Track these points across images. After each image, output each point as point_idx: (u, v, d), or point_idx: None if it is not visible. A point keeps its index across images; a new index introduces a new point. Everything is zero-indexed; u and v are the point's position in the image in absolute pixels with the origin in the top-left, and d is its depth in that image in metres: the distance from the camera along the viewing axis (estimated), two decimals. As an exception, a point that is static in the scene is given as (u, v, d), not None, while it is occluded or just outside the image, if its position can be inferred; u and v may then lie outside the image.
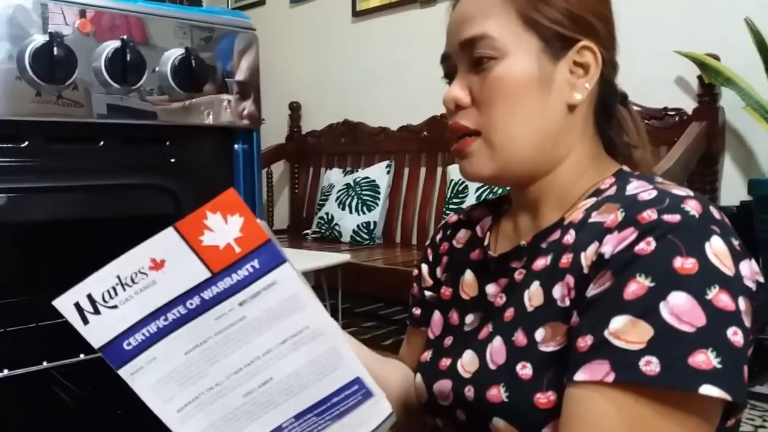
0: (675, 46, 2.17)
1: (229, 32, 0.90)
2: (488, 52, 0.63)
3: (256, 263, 0.47)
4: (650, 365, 0.48)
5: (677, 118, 2.25)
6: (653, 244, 0.52)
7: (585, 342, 0.52)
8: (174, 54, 0.82)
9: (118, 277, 0.48)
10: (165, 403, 0.49)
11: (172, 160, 0.90)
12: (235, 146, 0.96)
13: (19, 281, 1.12)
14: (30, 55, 0.71)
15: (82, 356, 0.94)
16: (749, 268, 0.54)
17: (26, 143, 0.78)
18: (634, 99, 2.55)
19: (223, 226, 0.47)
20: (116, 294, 0.48)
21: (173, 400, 0.49)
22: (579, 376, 0.51)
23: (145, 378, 0.49)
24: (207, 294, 0.48)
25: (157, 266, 0.47)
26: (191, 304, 0.48)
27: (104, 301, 0.48)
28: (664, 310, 0.49)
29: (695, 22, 2.20)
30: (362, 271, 2.51)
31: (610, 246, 0.54)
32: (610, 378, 0.49)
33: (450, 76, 0.68)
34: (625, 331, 0.50)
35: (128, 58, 0.77)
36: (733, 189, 2.16)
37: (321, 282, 2.37)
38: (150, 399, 0.49)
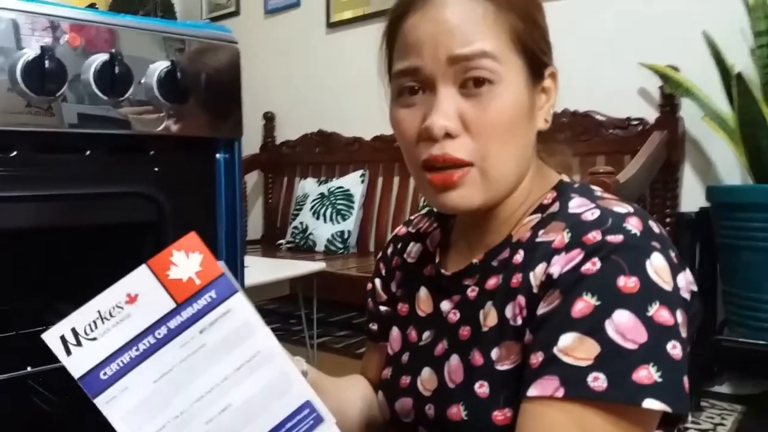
0: (638, 58, 2.26)
1: (213, 45, 0.93)
2: (487, 74, 0.58)
3: (213, 293, 0.54)
4: (597, 381, 0.51)
5: (640, 128, 2.34)
6: (598, 264, 0.54)
7: (536, 359, 0.55)
8: (160, 66, 0.85)
9: (99, 311, 0.53)
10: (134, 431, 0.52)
11: (156, 169, 0.93)
12: (217, 155, 0.99)
13: (3, 288, 1.13)
14: (22, 67, 0.73)
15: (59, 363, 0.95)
16: (685, 280, 0.57)
17: (14, 153, 0.80)
18: (600, 109, 2.64)
19: (186, 262, 0.54)
20: (96, 327, 0.53)
21: (142, 430, 0.52)
22: (531, 391, 0.54)
23: (118, 407, 0.52)
24: (172, 323, 0.54)
25: (132, 300, 0.54)
26: (159, 333, 0.53)
27: (86, 333, 0.53)
28: (610, 328, 0.52)
29: (657, 35, 2.30)
30: (337, 280, 2.53)
31: (558, 266, 0.56)
32: (560, 393, 0.52)
33: (409, 92, 0.62)
34: (574, 347, 0.53)
35: (116, 71, 0.80)
36: (692, 196, 2.25)
37: (296, 291, 2.38)
38: (122, 428, 0.52)
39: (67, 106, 0.79)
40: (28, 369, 0.94)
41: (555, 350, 0.53)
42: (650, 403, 0.51)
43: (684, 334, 0.54)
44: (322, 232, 3.06)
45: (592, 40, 2.32)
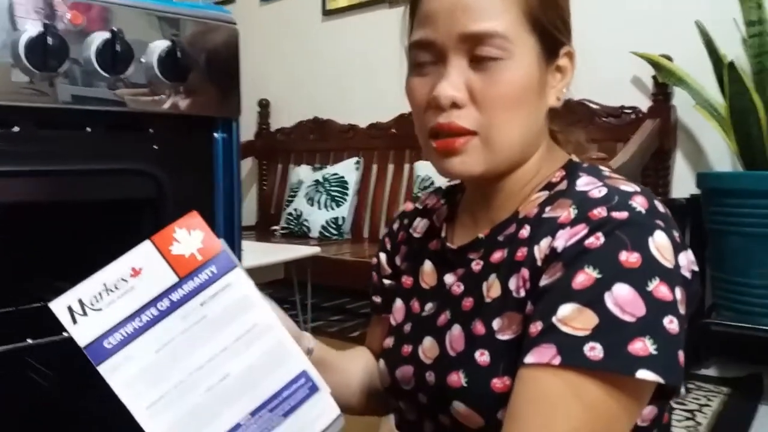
0: (631, 47, 2.29)
1: (212, 26, 0.94)
2: (497, 52, 0.60)
3: (214, 269, 0.57)
4: (594, 351, 0.52)
5: (633, 116, 2.37)
6: (602, 239, 0.55)
7: (535, 327, 0.56)
8: (160, 45, 0.86)
9: (104, 284, 0.55)
10: (137, 399, 0.54)
11: (155, 147, 0.94)
12: (215, 135, 1.01)
13: (4, 265, 1.14)
14: (24, 44, 0.75)
15: (65, 334, 0.97)
16: (686, 259, 0.58)
17: (17, 128, 0.82)
18: (594, 97, 2.66)
19: (188, 239, 0.57)
20: (101, 298, 0.55)
21: (144, 397, 0.54)
22: (528, 359, 0.55)
23: (121, 375, 0.54)
24: (174, 296, 0.56)
25: (136, 273, 0.56)
26: (162, 305, 0.56)
27: (91, 304, 0.55)
28: (609, 300, 0.53)
29: (650, 25, 2.32)
30: (331, 265, 2.55)
31: (562, 240, 0.57)
32: (556, 361, 0.53)
33: (423, 64, 0.64)
34: (572, 318, 0.54)
35: (117, 49, 0.81)
36: (683, 183, 2.28)
37: (291, 276, 2.40)
38: (124, 395, 0.54)
39: (68, 83, 0.81)
40: (29, 341, 0.95)
41: (554, 320, 0.54)
42: (644, 374, 0.52)
43: (682, 311, 0.55)
44: (317, 218, 3.08)
45: (586, 29, 2.32)
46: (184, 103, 0.93)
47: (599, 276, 0.54)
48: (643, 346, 0.52)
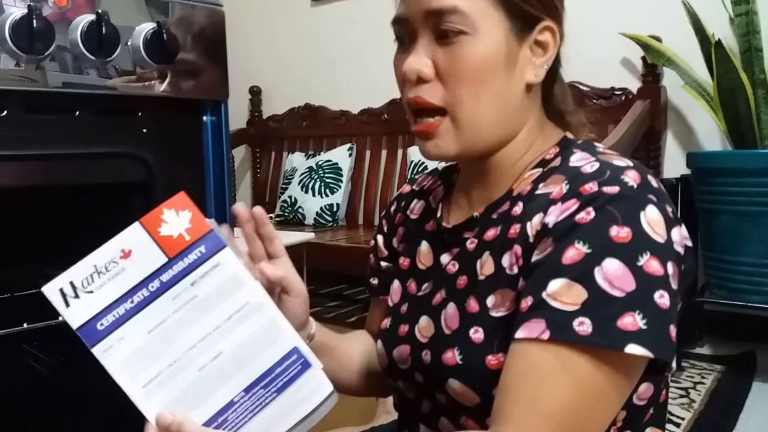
0: (620, 28, 2.28)
1: (198, 8, 0.95)
2: (458, 26, 0.61)
3: (202, 248, 0.57)
4: (583, 326, 0.52)
5: (623, 97, 2.37)
6: (592, 214, 0.55)
7: (526, 303, 0.56)
8: (146, 28, 0.87)
9: (95, 266, 0.56)
10: (132, 379, 0.54)
11: (144, 130, 0.95)
12: (204, 118, 1.01)
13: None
14: (10, 27, 0.75)
15: (60, 318, 0.98)
16: (679, 234, 0.58)
17: (5, 113, 0.82)
18: (584, 79, 2.66)
19: (176, 220, 0.57)
20: (93, 281, 0.56)
21: (138, 377, 0.54)
22: (519, 333, 0.55)
23: (115, 356, 0.55)
24: (165, 276, 0.56)
25: (126, 255, 0.56)
26: (152, 286, 0.56)
27: (83, 286, 0.55)
28: (598, 275, 0.53)
29: (639, 5, 2.32)
30: (326, 251, 2.56)
31: (553, 216, 0.57)
32: (545, 336, 0.53)
33: (403, 40, 0.66)
34: (562, 292, 0.54)
35: (103, 31, 0.82)
36: (674, 163, 2.29)
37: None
38: (119, 375, 0.55)
39: (56, 67, 0.81)
40: (24, 325, 0.96)
41: (543, 294, 0.55)
42: (633, 349, 0.52)
43: (674, 286, 0.55)
44: (311, 205, 3.08)
45: (574, 11, 2.32)
46: (172, 86, 0.93)
47: (589, 251, 0.54)
48: (632, 320, 0.52)
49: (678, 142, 2.33)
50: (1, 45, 0.76)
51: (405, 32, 0.65)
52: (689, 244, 0.61)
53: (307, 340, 0.73)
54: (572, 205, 0.57)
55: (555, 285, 0.54)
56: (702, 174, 1.98)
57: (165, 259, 0.56)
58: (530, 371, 0.55)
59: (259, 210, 0.65)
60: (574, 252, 0.55)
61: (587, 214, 0.55)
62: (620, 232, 0.54)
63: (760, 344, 2.15)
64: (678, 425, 1.69)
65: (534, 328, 0.54)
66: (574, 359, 0.53)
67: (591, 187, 0.57)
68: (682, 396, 1.87)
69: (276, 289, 0.64)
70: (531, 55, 0.64)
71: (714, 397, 1.87)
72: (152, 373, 0.55)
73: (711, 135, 2.22)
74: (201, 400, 0.55)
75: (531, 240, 0.60)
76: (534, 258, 0.58)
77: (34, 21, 0.76)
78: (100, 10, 0.82)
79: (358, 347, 0.83)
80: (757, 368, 2.05)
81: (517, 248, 0.61)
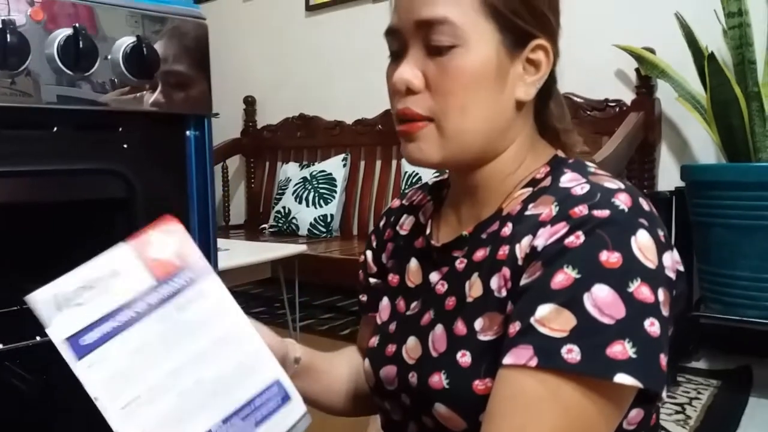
0: (614, 40, 2.28)
1: (180, 21, 0.93)
2: (448, 39, 0.60)
3: (190, 274, 0.57)
4: (571, 353, 0.51)
5: (617, 109, 2.37)
6: (582, 238, 0.54)
7: (514, 328, 0.55)
8: (125, 42, 0.85)
9: (82, 281, 0.55)
10: (112, 399, 0.53)
11: (125, 146, 0.93)
12: (187, 132, 0.99)
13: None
14: (-18, 41, 0.73)
15: (38, 338, 0.96)
16: (671, 259, 0.57)
17: (-21, 129, 0.80)
18: (578, 91, 2.66)
19: (165, 244, 0.58)
20: (79, 295, 0.55)
21: (118, 397, 0.53)
22: (506, 359, 0.54)
23: (97, 373, 0.53)
24: (151, 299, 0.56)
25: (114, 274, 0.56)
26: (138, 307, 0.55)
27: (68, 300, 0.54)
28: (588, 302, 0.52)
29: (632, 17, 2.32)
30: (319, 263, 2.54)
31: (542, 239, 0.56)
32: (533, 362, 0.52)
33: (397, 53, 0.65)
34: (550, 318, 0.52)
35: (81, 46, 0.80)
36: (669, 175, 2.28)
37: (278, 274, 2.39)
38: (100, 394, 0.53)
39: (32, 82, 0.79)
40: (0, 346, 0.94)
41: (532, 320, 0.53)
42: (622, 378, 0.50)
43: (665, 313, 0.54)
44: (305, 216, 3.07)
45: (567, 22, 2.32)
46: (154, 101, 0.91)
47: (578, 276, 0.53)
48: (622, 349, 0.51)
49: (672, 155, 2.32)
50: (-26, 60, 0.74)
51: (397, 43, 0.65)
52: (681, 268, 0.59)
53: (295, 364, 0.72)
54: (561, 228, 0.56)
55: (543, 310, 0.53)
56: (696, 187, 1.97)
57: (153, 282, 0.56)
58: (517, 399, 0.53)
59: None
60: (563, 277, 0.53)
61: (577, 238, 0.54)
62: (610, 257, 0.53)
63: (756, 359, 2.13)
64: (673, 442, 1.67)
65: (521, 355, 0.53)
66: (562, 387, 0.52)
67: (581, 210, 0.56)
68: (677, 412, 1.85)
69: None
70: (523, 73, 0.63)
71: (710, 412, 1.85)
72: (132, 394, 0.53)
73: (705, 147, 2.21)
74: (179, 427, 0.53)
75: (520, 263, 0.58)
76: (522, 282, 0.57)
77: (8, 36, 0.74)
78: (77, 24, 0.81)
79: (345, 368, 0.81)
80: (753, 383, 2.03)
81: (506, 271, 0.60)
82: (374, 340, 0.74)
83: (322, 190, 3.07)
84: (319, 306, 3.11)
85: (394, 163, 3.04)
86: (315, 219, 3.04)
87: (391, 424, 0.73)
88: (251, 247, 2.47)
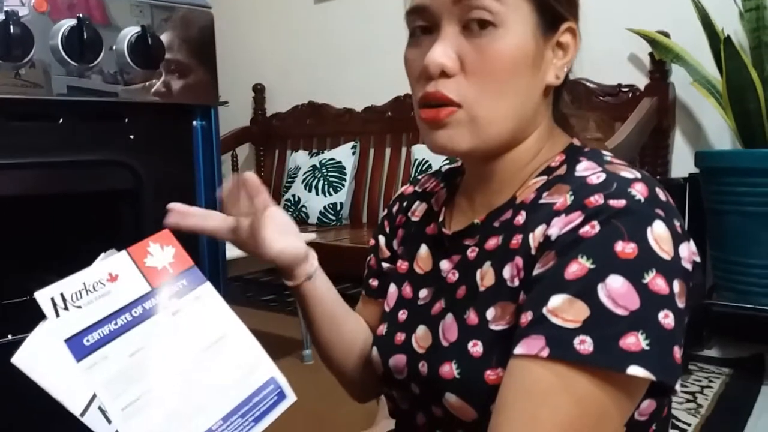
0: (627, 23, 2.24)
1: (186, 10, 0.92)
2: (489, 16, 0.58)
3: (184, 281, 0.61)
4: (584, 344, 0.50)
5: (630, 94, 2.33)
6: (597, 228, 0.53)
7: (526, 317, 0.54)
8: (130, 32, 0.84)
9: (84, 283, 0.59)
10: (113, 399, 0.55)
11: (131, 137, 0.92)
12: (194, 122, 0.99)
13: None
14: (-14, 33, 0.73)
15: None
16: (687, 250, 0.55)
17: (-15, 121, 0.80)
18: (590, 76, 2.61)
19: (161, 253, 0.62)
20: (81, 297, 0.58)
21: (119, 398, 0.55)
22: (518, 349, 0.53)
23: (98, 374, 0.55)
24: (147, 304, 0.59)
25: (113, 279, 0.59)
26: (135, 312, 0.58)
27: (72, 300, 0.58)
28: (602, 292, 0.51)
29: (646, 1, 2.27)
30: (329, 251, 2.54)
31: (556, 228, 0.55)
32: (545, 353, 0.51)
33: (420, 31, 0.62)
34: (563, 309, 0.52)
35: (85, 36, 0.79)
36: (683, 161, 2.24)
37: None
38: (101, 393, 0.55)
39: (37, 73, 0.79)
40: (9, 337, 0.94)
41: (544, 310, 0.52)
42: (635, 370, 0.50)
43: (681, 305, 0.53)
44: (315, 204, 3.06)
45: (580, 6, 2.30)
46: (160, 91, 0.91)
47: (593, 266, 0.52)
48: (635, 341, 0.50)
49: (687, 140, 2.29)
50: (-22, 52, 0.74)
51: (425, 22, 0.61)
52: (697, 259, 0.58)
53: (305, 276, 0.72)
54: (577, 217, 0.54)
55: (556, 300, 0.52)
56: (710, 173, 1.94)
57: (148, 288, 0.59)
58: (529, 389, 0.52)
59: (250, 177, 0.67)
60: (577, 267, 0.52)
61: (592, 228, 0.53)
62: (626, 248, 0.52)
63: (769, 347, 2.11)
64: (684, 431, 1.65)
65: (533, 345, 0.52)
66: (574, 378, 0.51)
67: (597, 199, 0.55)
68: (688, 401, 1.83)
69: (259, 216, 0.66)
70: (552, 56, 0.62)
71: (722, 401, 1.83)
72: (132, 396, 0.55)
73: (721, 133, 2.18)
74: (179, 427, 0.55)
75: (533, 252, 0.57)
76: (536, 271, 0.56)
77: (11, 27, 0.73)
78: (81, 15, 0.80)
79: (361, 332, 0.80)
80: (766, 372, 2.01)
81: (519, 260, 0.59)
82: (382, 328, 0.73)
83: (331, 178, 3.06)
84: (330, 294, 3.11)
85: (403, 150, 3.02)
86: (324, 207, 3.04)
87: (399, 413, 0.72)
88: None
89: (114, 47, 0.85)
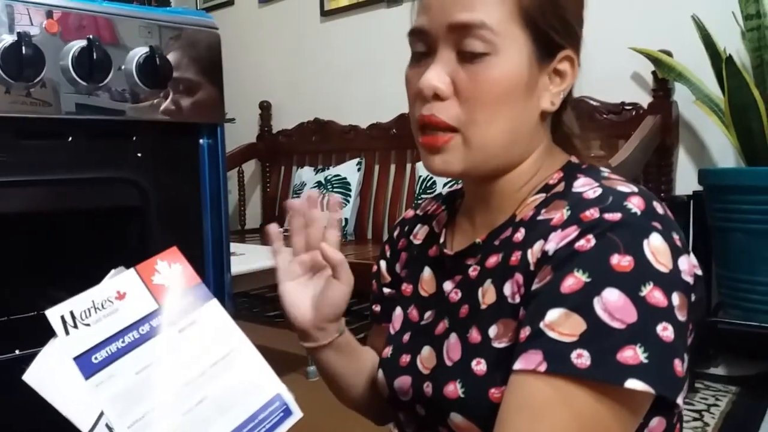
0: (630, 42, 2.26)
1: (193, 31, 0.94)
2: (482, 46, 0.59)
3: (191, 298, 0.61)
4: (581, 358, 0.50)
5: (633, 113, 2.34)
6: (593, 242, 0.53)
7: (524, 333, 0.54)
8: (139, 52, 0.86)
9: (93, 301, 0.59)
10: (119, 417, 0.55)
11: (139, 155, 0.94)
12: (200, 141, 1.00)
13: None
14: (-1, 54, 0.74)
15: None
16: (687, 263, 0.55)
17: (-4, 139, 0.82)
18: (594, 94, 2.62)
19: (168, 271, 0.62)
20: (90, 315, 0.59)
21: (126, 416, 0.55)
22: (516, 365, 0.53)
23: (106, 391, 0.56)
24: (155, 321, 0.60)
25: (121, 297, 0.60)
26: (143, 329, 0.59)
27: (82, 318, 0.58)
28: (598, 306, 0.51)
29: (649, 19, 2.29)
30: (333, 267, 2.54)
31: (553, 243, 0.56)
32: (542, 368, 0.51)
33: (420, 55, 0.63)
34: (559, 323, 0.52)
35: (94, 57, 0.81)
36: (687, 179, 2.24)
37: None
38: (108, 411, 0.56)
39: (47, 93, 0.80)
40: (17, 352, 0.95)
41: (541, 324, 0.53)
42: (633, 384, 0.49)
43: (681, 318, 0.53)
44: (320, 220, 3.07)
45: (585, 25, 2.32)
46: (167, 110, 0.92)
47: (588, 280, 0.52)
48: (633, 354, 0.50)
49: (690, 158, 2.29)
50: (-9, 72, 0.76)
51: (423, 45, 0.63)
52: (699, 273, 0.58)
53: (337, 334, 0.72)
54: (572, 232, 0.55)
55: (553, 315, 0.52)
56: (714, 191, 1.94)
57: (155, 306, 0.60)
58: (528, 404, 0.53)
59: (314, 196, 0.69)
60: (573, 281, 0.53)
61: (587, 242, 0.54)
62: (621, 261, 0.52)
63: (776, 365, 2.10)
64: (691, 451, 1.64)
65: (531, 360, 0.52)
66: (573, 392, 0.51)
67: (592, 213, 0.55)
68: (695, 419, 1.82)
69: (326, 272, 0.68)
70: (549, 83, 0.63)
71: (728, 419, 1.82)
72: (138, 414, 0.55)
73: (724, 151, 2.18)
74: None
75: (532, 268, 0.58)
76: (534, 286, 0.56)
77: (24, 48, 0.75)
78: (91, 36, 0.82)
79: (371, 360, 0.80)
80: (773, 390, 1.99)
81: (519, 276, 0.59)
82: (387, 351, 0.73)
83: (336, 194, 3.08)
84: (334, 310, 3.10)
85: (408, 167, 3.03)
86: (330, 223, 3.04)
87: None
88: (267, 252, 2.47)
89: (123, 67, 0.86)
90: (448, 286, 0.69)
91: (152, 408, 0.56)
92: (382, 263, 0.82)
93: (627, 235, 0.53)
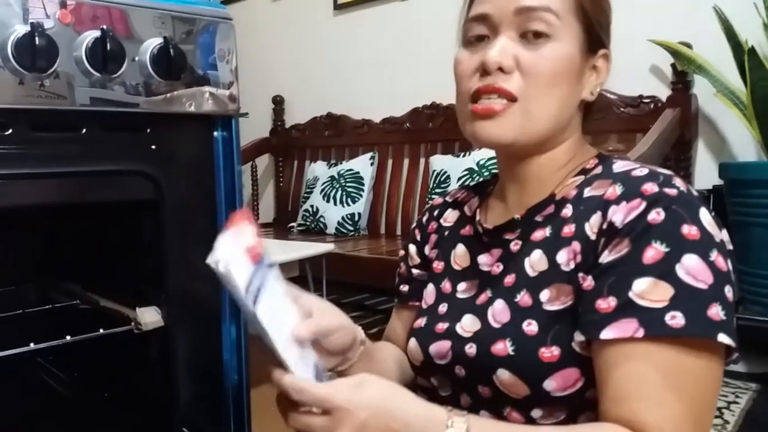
0: (649, 35, 2.22)
1: (207, 22, 0.92)
2: (545, 27, 0.65)
3: (268, 261, 0.62)
4: (675, 319, 0.55)
5: (652, 106, 2.30)
6: (663, 214, 0.58)
7: (608, 303, 0.58)
8: (153, 43, 0.85)
9: (224, 251, 0.59)
10: (278, 336, 0.59)
11: (153, 147, 0.93)
12: (215, 133, 0.99)
13: (6, 268, 1.14)
14: (12, 44, 0.73)
15: (68, 338, 0.97)
16: (726, 235, 0.62)
17: (10, 131, 0.81)
18: (612, 87, 2.59)
19: (248, 233, 0.62)
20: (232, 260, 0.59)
21: (278, 337, 0.59)
22: (606, 334, 0.57)
23: (263, 318, 0.58)
24: (261, 273, 0.60)
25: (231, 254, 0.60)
26: (259, 276, 0.60)
27: (226, 264, 0.58)
28: (681, 271, 0.56)
29: (668, 11, 2.25)
30: (347, 261, 2.53)
31: (620, 215, 0.60)
32: (640, 333, 0.56)
33: (477, 39, 0.68)
34: (649, 291, 0.56)
35: (108, 48, 0.80)
36: (706, 173, 2.21)
37: (305, 272, 2.39)
38: (270, 329, 0.58)
39: (61, 85, 0.79)
40: (31, 345, 0.95)
41: (630, 295, 0.57)
42: (723, 338, 0.55)
43: (734, 281, 0.59)
44: (333, 214, 3.06)
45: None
46: (181, 102, 0.91)
47: (667, 249, 0.57)
48: (717, 311, 0.55)
49: (710, 152, 2.26)
50: (4, 63, 0.75)
51: (485, 28, 0.68)
52: (731, 248, 0.63)
53: (361, 346, 0.74)
54: (638, 204, 0.59)
55: (641, 285, 0.57)
56: (735, 185, 1.91)
57: (252, 266, 0.59)
58: (630, 375, 0.56)
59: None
60: (654, 251, 0.57)
61: (658, 215, 0.58)
62: (691, 230, 0.57)
63: (797, 362, 2.06)
64: (710, 449, 1.62)
65: (625, 328, 0.56)
66: (670, 352, 0.55)
67: (652, 187, 0.60)
68: (715, 416, 1.79)
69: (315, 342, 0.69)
70: (588, 76, 0.70)
71: (749, 417, 1.79)
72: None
73: (745, 145, 2.14)
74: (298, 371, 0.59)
75: (593, 237, 0.62)
76: (607, 258, 0.60)
77: (37, 39, 0.74)
78: (105, 26, 0.81)
79: (393, 362, 0.84)
80: (794, 388, 1.96)
81: (576, 245, 0.64)
82: (421, 321, 0.77)
83: (349, 189, 3.06)
84: (347, 304, 3.10)
85: (421, 161, 3.01)
86: (342, 217, 3.04)
87: (439, 400, 0.73)
88: (280, 246, 2.47)
89: (137, 58, 0.85)
90: (484, 259, 0.74)
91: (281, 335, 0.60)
92: (412, 247, 0.86)
93: (687, 208, 0.59)
